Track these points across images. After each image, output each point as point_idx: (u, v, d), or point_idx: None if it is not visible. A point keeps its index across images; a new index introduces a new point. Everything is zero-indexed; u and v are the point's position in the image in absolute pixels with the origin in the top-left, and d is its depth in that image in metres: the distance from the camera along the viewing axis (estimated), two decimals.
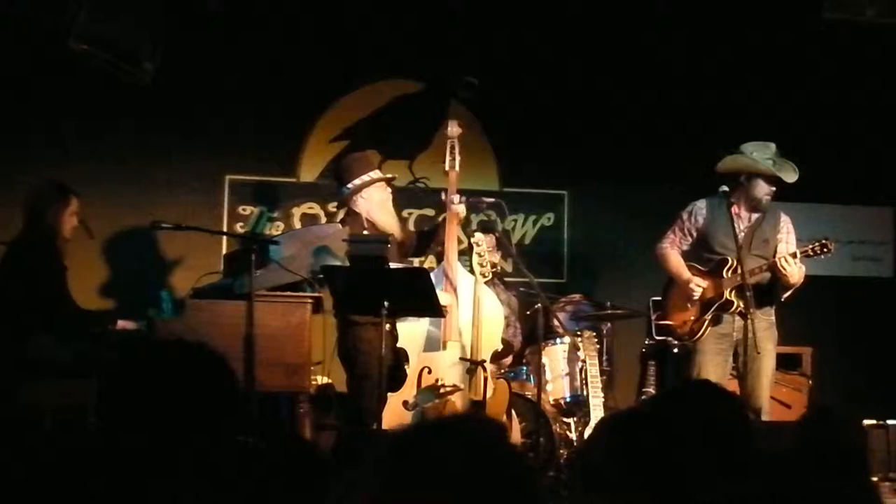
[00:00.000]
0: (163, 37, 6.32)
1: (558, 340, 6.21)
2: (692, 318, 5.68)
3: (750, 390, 5.47)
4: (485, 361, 5.10)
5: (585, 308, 6.75)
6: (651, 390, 6.61)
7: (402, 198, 6.08)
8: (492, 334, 5.22)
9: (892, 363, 7.28)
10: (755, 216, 5.65)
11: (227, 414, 1.95)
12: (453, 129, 5.47)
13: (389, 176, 5.75)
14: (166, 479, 1.83)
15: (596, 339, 6.19)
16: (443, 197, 5.40)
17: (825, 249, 5.37)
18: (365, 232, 5.43)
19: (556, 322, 6.26)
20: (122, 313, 5.45)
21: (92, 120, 6.80)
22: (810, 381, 6.71)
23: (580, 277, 7.40)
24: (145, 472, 1.83)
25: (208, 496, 1.87)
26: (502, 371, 5.89)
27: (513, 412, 5.22)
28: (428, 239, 5.79)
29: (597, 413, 5.90)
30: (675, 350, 6.25)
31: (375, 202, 5.57)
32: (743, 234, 5.61)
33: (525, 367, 6.20)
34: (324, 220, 7.03)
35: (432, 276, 5.08)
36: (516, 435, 5.24)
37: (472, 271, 5.20)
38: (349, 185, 5.57)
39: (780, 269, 5.40)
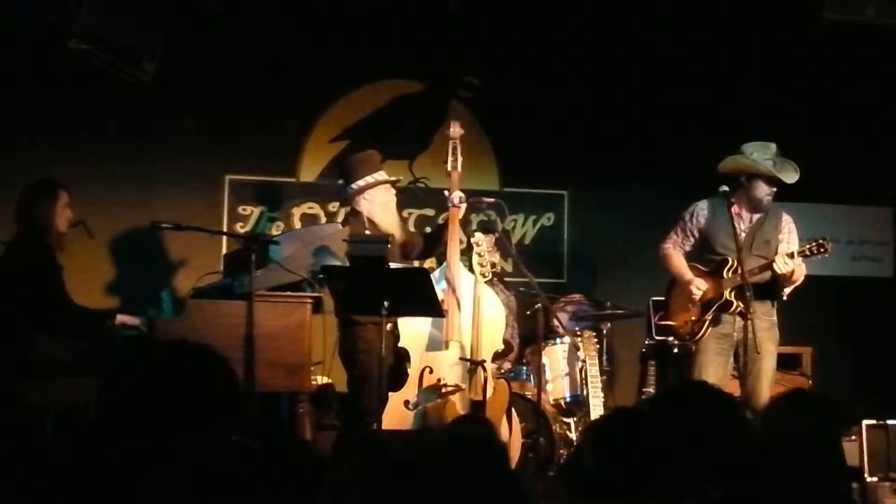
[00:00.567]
0: (163, 37, 6.33)
1: (558, 340, 6.21)
2: (693, 318, 5.68)
3: (750, 390, 5.47)
4: (485, 361, 5.10)
5: (585, 308, 6.75)
6: (651, 390, 6.61)
7: (402, 198, 6.08)
8: (492, 334, 5.22)
9: (892, 363, 7.29)
10: (757, 216, 5.65)
11: (227, 414, 1.96)
12: (455, 129, 5.47)
13: (394, 178, 5.76)
14: (166, 478, 1.83)
15: (596, 339, 6.20)
16: (447, 194, 5.40)
17: (822, 249, 5.37)
18: (366, 232, 5.44)
19: (556, 322, 6.27)
20: (122, 313, 5.44)
21: (92, 120, 6.80)
22: (810, 381, 6.71)
23: (580, 277, 7.39)
24: (145, 472, 1.83)
25: (208, 496, 1.87)
26: (502, 371, 5.90)
27: (513, 412, 5.22)
28: (434, 241, 5.80)
29: (597, 413, 5.90)
30: (676, 350, 6.26)
31: (378, 204, 5.58)
32: (744, 234, 5.61)
33: (525, 367, 6.20)
34: (324, 220, 7.03)
35: (433, 275, 5.08)
36: (516, 435, 5.24)
37: (472, 271, 5.20)
38: (353, 186, 5.58)
39: (778, 268, 5.40)
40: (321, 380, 6.00)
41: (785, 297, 5.64)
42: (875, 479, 5.72)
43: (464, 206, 5.38)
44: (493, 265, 5.32)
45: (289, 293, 5.20)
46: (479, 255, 5.17)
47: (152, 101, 6.65)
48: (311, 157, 7.20)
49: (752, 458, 2.48)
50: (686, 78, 7.33)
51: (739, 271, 5.44)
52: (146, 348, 2.14)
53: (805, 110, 7.37)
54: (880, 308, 7.54)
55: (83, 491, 1.84)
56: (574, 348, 6.15)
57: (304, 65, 7.04)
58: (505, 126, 7.29)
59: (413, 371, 5.15)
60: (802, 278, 5.56)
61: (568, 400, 6.12)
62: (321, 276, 5.12)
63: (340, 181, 5.76)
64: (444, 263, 5.30)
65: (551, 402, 6.03)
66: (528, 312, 6.29)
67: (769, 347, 5.52)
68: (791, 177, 5.58)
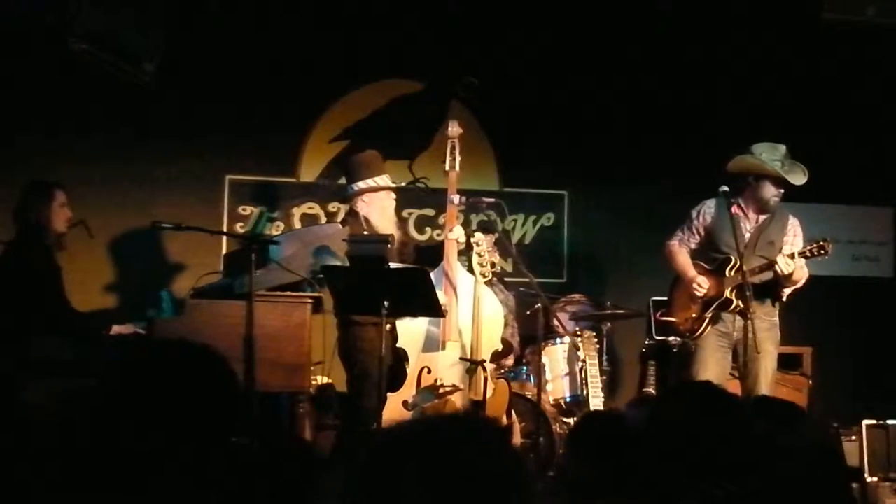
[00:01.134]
0: (163, 37, 6.32)
1: (558, 340, 6.21)
2: (693, 315, 5.69)
3: (750, 391, 5.47)
4: (485, 361, 5.10)
5: (585, 308, 6.76)
6: (651, 390, 6.61)
7: (402, 198, 6.08)
8: (492, 334, 5.22)
9: (892, 363, 7.28)
10: (763, 217, 5.65)
11: (227, 415, 1.95)
12: (453, 129, 5.47)
13: (395, 185, 5.75)
14: (165, 479, 1.83)
15: (596, 339, 6.20)
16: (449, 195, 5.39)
17: (822, 251, 5.38)
18: (365, 232, 5.43)
19: (556, 322, 6.26)
20: (121, 313, 5.45)
21: (92, 120, 6.79)
22: (810, 381, 6.71)
23: (580, 277, 7.40)
24: (144, 472, 1.83)
25: (207, 496, 1.87)
26: (502, 371, 5.89)
27: (513, 412, 5.22)
28: (430, 259, 5.72)
29: None
30: (675, 349, 6.26)
31: (376, 207, 5.58)
32: (749, 234, 5.62)
33: (525, 367, 6.20)
34: (324, 220, 7.03)
35: (432, 275, 5.08)
36: (516, 435, 5.24)
37: (471, 271, 5.20)
38: (354, 186, 5.58)
39: (779, 268, 5.41)
40: (321, 380, 6.00)
41: (784, 298, 5.64)
42: (875, 479, 5.73)
43: (461, 231, 5.34)
44: (493, 265, 5.32)
45: (289, 293, 5.20)
46: (479, 255, 5.17)
47: (152, 101, 6.65)
48: (311, 157, 7.20)
49: (753, 458, 2.48)
50: (686, 78, 7.33)
51: (742, 270, 5.44)
52: (147, 348, 2.14)
53: (805, 110, 7.37)
54: (880, 308, 7.54)
55: (82, 491, 1.84)
56: (574, 348, 6.14)
57: (304, 65, 7.04)
58: (505, 126, 7.29)
59: (411, 371, 5.15)
60: (804, 280, 5.56)
61: (568, 400, 6.12)
62: (321, 276, 5.12)
63: (342, 181, 5.76)
64: (442, 263, 5.30)
65: (551, 402, 6.02)
66: (528, 312, 6.29)
67: (768, 348, 5.53)
68: (799, 179, 5.59)
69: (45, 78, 6.63)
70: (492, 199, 5.92)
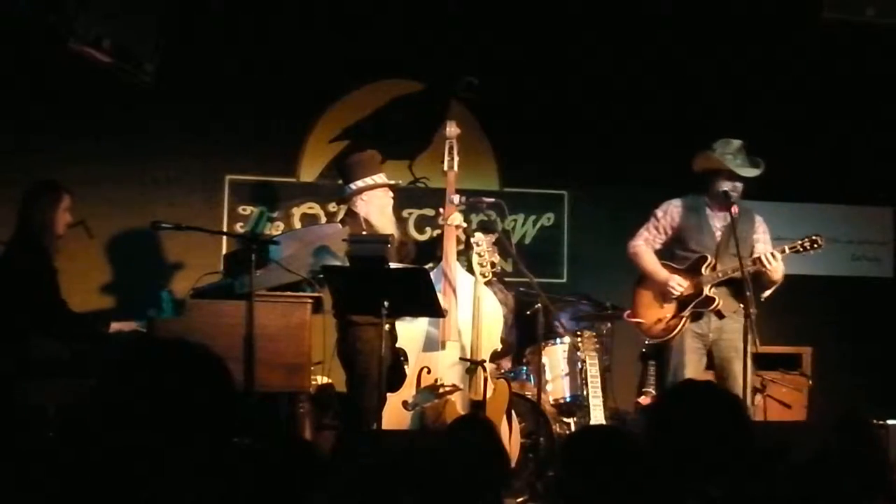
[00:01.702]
0: (163, 37, 6.32)
1: (558, 340, 6.21)
2: (668, 315, 5.68)
3: (729, 390, 5.47)
4: (484, 361, 5.10)
5: (585, 308, 6.75)
6: (651, 390, 6.60)
7: (402, 198, 6.07)
8: (491, 334, 5.22)
9: (892, 363, 7.28)
10: (731, 216, 5.61)
11: (224, 415, 1.95)
12: (451, 129, 5.47)
13: (392, 182, 5.75)
14: (163, 479, 1.83)
15: (596, 339, 6.19)
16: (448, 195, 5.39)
17: (815, 245, 5.38)
18: (364, 232, 5.43)
19: (556, 322, 6.26)
20: (121, 313, 5.44)
21: (92, 120, 6.79)
22: (810, 381, 6.70)
23: (580, 277, 7.40)
24: (143, 473, 1.83)
25: (206, 497, 1.87)
26: (502, 371, 5.89)
27: (513, 412, 5.22)
28: (432, 250, 5.74)
29: (597, 413, 5.90)
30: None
31: (375, 206, 5.59)
32: (720, 232, 5.63)
33: (525, 367, 6.20)
34: (324, 220, 7.03)
35: (432, 276, 5.08)
36: (516, 435, 5.24)
37: (471, 271, 5.20)
38: (352, 186, 5.58)
39: (766, 264, 5.42)
40: (321, 380, 5.99)
41: (763, 299, 5.63)
42: None
43: (459, 216, 5.35)
44: (493, 265, 5.33)
45: (289, 293, 5.20)
46: (479, 255, 5.17)
47: (152, 101, 6.65)
48: (311, 157, 7.20)
49: (753, 459, 2.48)
50: (686, 78, 7.33)
51: (720, 268, 5.47)
52: (143, 347, 2.13)
53: (805, 110, 7.37)
54: (880, 308, 7.54)
55: (81, 491, 1.84)
56: (574, 348, 6.14)
57: (304, 65, 7.04)
58: (505, 126, 7.29)
59: (411, 371, 5.15)
60: (782, 278, 5.57)
61: (568, 400, 6.12)
62: (321, 276, 5.12)
63: (340, 181, 5.76)
64: (442, 262, 5.30)
65: (551, 402, 6.02)
66: (528, 312, 6.28)
67: (743, 347, 5.52)
68: (748, 172, 5.60)
69: (45, 78, 6.63)
70: (492, 199, 5.92)
